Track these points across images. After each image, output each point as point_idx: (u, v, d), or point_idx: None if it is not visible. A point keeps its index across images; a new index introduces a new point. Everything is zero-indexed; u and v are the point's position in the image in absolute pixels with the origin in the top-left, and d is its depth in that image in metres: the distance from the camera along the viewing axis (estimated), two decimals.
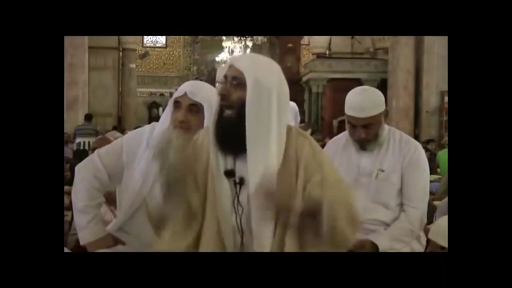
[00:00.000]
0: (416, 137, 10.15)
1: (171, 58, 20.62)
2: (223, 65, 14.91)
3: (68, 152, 8.64)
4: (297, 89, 13.13)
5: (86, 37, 11.27)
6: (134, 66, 16.61)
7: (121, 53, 16.18)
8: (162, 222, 1.68)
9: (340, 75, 12.91)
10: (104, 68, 15.49)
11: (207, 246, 1.63)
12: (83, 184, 2.15)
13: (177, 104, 2.03)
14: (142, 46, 19.87)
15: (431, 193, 3.12)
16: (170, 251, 1.61)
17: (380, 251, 2.18)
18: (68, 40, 10.13)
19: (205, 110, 1.99)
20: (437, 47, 11.33)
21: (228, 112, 1.59)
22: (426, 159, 2.39)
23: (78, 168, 2.22)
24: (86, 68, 11.49)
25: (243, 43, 17.65)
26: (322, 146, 2.42)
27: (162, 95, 19.32)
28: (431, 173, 2.88)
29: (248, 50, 17.18)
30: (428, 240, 2.27)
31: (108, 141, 3.14)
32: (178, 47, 20.66)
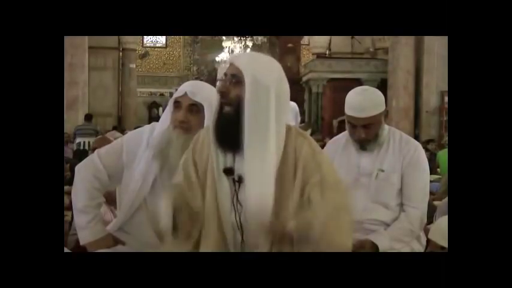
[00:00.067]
0: (416, 137, 10.14)
1: (171, 58, 20.62)
2: (223, 64, 14.93)
3: (68, 152, 8.64)
4: (297, 89, 13.12)
5: (86, 37, 11.26)
6: (134, 66, 16.61)
7: (121, 53, 16.17)
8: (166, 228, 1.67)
9: (340, 75, 12.90)
10: (104, 68, 15.49)
11: (208, 243, 1.63)
12: (83, 184, 2.15)
13: (177, 104, 2.03)
14: (142, 46, 19.87)
15: (431, 193, 3.12)
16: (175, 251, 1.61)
17: (380, 251, 2.18)
18: (68, 40, 10.13)
19: (205, 110, 1.99)
20: (437, 47, 11.33)
21: (227, 109, 1.60)
22: (426, 159, 2.39)
23: (78, 168, 2.22)
24: (86, 68, 11.48)
25: (243, 43, 17.66)
26: (322, 146, 2.42)
27: (162, 95, 19.32)
28: (431, 173, 2.88)
29: (248, 50, 17.14)
30: (428, 240, 2.27)
31: (108, 141, 3.14)
32: (178, 47, 20.66)
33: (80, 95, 11.19)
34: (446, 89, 10.55)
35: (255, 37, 17.48)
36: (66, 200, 2.72)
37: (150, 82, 19.71)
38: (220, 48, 18.40)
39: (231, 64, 1.62)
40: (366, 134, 2.26)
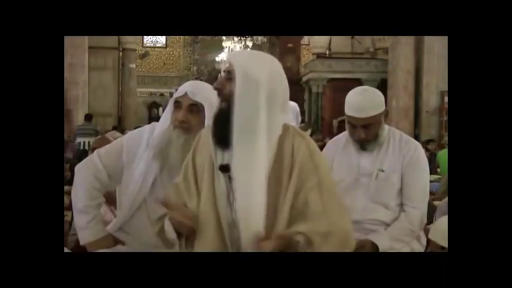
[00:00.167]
0: (416, 137, 10.15)
1: (171, 58, 20.62)
2: (223, 64, 14.93)
3: (69, 151, 8.65)
4: (297, 89, 13.13)
5: (86, 37, 11.27)
6: (134, 66, 16.62)
7: (121, 53, 16.18)
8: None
9: (340, 75, 12.90)
10: (104, 68, 15.50)
11: (206, 241, 1.62)
12: (83, 184, 2.15)
13: (177, 104, 2.03)
14: (142, 46, 19.87)
15: (431, 193, 3.12)
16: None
17: (380, 251, 2.18)
18: (68, 40, 10.14)
19: (205, 110, 1.99)
20: (437, 47, 11.33)
21: (222, 105, 1.60)
22: (426, 159, 2.39)
23: (78, 168, 2.22)
24: (86, 68, 11.50)
25: (243, 43, 17.66)
26: (322, 146, 2.42)
27: (162, 95, 19.32)
28: (431, 173, 2.88)
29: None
30: (428, 240, 2.28)
31: (108, 141, 3.14)
32: (178, 47, 20.66)
33: (80, 95, 11.20)
34: (446, 89, 10.55)
35: (255, 37, 17.47)
36: (66, 200, 2.72)
37: (150, 82, 19.71)
38: (220, 48, 18.41)
39: (228, 62, 1.63)
40: (366, 134, 2.26)
